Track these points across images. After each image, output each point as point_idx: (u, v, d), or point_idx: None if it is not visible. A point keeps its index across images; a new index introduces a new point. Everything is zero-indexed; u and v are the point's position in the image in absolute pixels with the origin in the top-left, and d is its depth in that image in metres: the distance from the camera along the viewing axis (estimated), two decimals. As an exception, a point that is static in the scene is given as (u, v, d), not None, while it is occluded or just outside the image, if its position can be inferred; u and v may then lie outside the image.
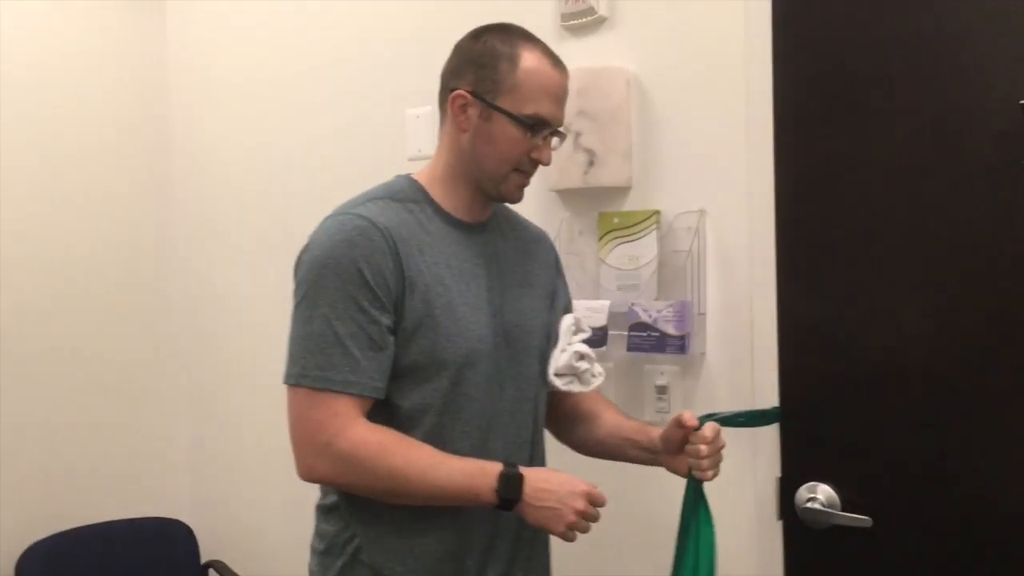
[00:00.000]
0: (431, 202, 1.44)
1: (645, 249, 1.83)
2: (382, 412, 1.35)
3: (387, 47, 2.28)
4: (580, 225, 1.95)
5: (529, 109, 1.39)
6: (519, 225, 1.61)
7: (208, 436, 2.81)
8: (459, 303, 1.39)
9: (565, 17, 1.92)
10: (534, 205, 1.98)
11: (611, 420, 1.59)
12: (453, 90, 1.42)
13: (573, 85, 1.84)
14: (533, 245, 1.60)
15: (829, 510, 1.63)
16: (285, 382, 1.35)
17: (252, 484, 2.63)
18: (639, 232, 1.84)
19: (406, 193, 1.43)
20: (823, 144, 1.65)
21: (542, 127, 1.41)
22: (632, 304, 1.81)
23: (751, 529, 1.75)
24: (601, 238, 1.89)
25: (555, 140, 1.47)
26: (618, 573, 1.94)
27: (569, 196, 1.96)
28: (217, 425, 2.78)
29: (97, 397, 2.62)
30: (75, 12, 2.61)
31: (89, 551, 2.49)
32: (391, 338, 1.34)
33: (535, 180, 1.95)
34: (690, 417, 1.42)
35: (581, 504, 1.31)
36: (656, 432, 1.51)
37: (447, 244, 1.42)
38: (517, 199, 1.48)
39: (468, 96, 1.40)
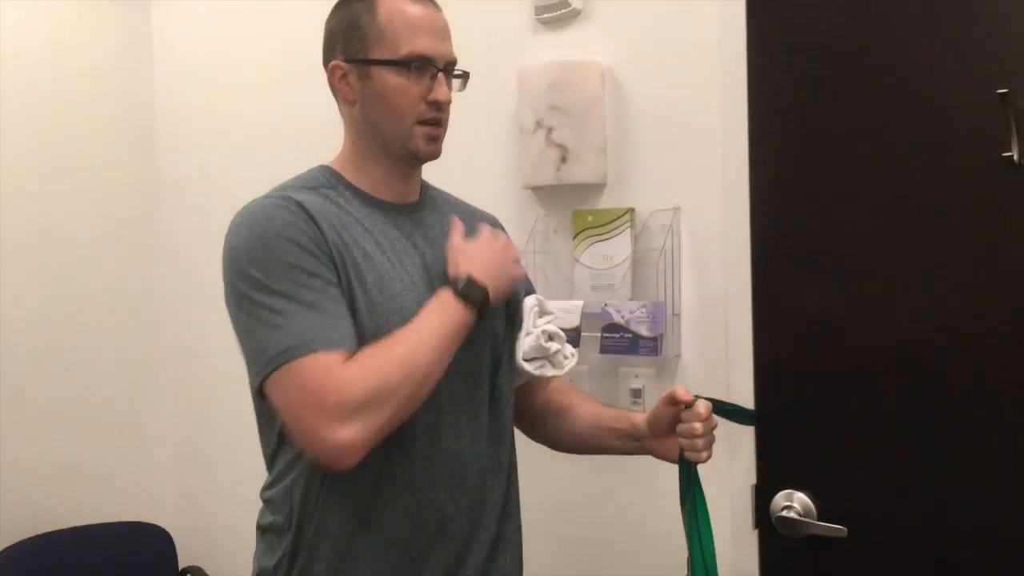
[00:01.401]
0: (348, 185, 1.36)
1: (619, 248, 1.78)
2: None
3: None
4: (554, 223, 1.90)
5: (404, 50, 1.30)
6: (465, 209, 1.51)
7: (190, 441, 2.78)
8: (391, 279, 1.30)
9: (539, 10, 1.88)
10: (507, 203, 1.94)
11: (588, 411, 1.52)
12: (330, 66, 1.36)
13: (546, 78, 1.82)
14: (481, 225, 1.47)
15: (805, 519, 1.57)
16: (261, 374, 1.22)
17: (233, 491, 2.59)
18: (613, 230, 1.79)
19: (319, 180, 1.36)
20: (799, 140, 1.60)
21: (424, 65, 1.32)
22: (605, 304, 1.76)
23: (727, 538, 1.69)
24: (575, 236, 1.84)
25: (456, 83, 1.39)
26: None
27: (543, 194, 1.91)
28: (200, 431, 2.75)
29: (80, 401, 2.60)
30: (61, 10, 2.60)
31: (67, 554, 2.47)
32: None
33: (507, 178, 1.95)
34: (684, 392, 1.37)
35: (509, 250, 1.39)
36: (640, 417, 1.45)
37: (371, 223, 1.33)
38: (433, 154, 1.37)
39: (343, 64, 1.34)
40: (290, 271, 1.22)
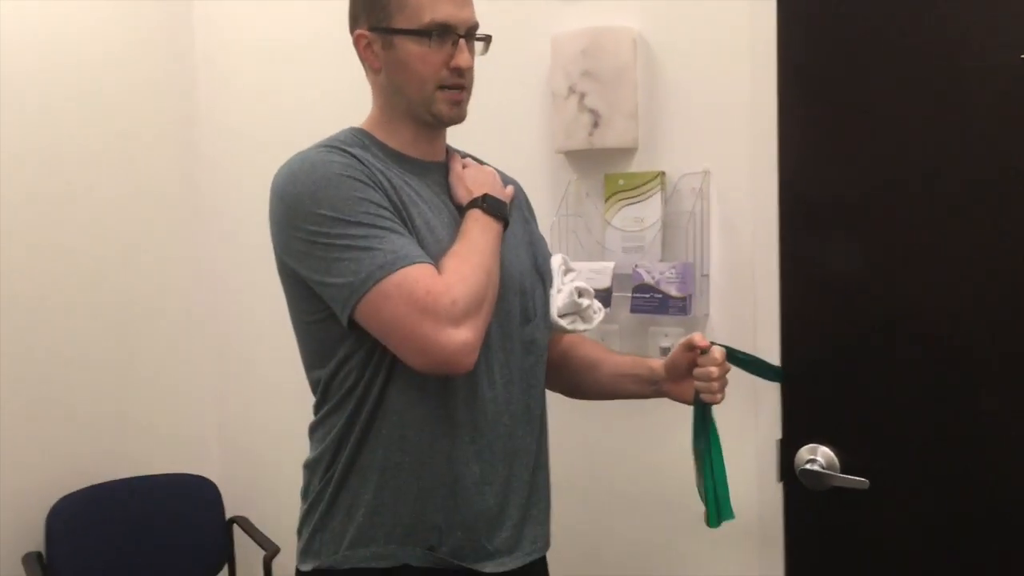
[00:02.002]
0: (380, 145, 1.41)
1: (650, 210, 1.83)
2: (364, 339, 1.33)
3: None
4: (586, 187, 1.94)
5: (425, 18, 1.34)
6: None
7: (233, 395, 2.87)
8: (435, 224, 1.37)
9: (572, -23, 1.91)
10: (541, 167, 1.99)
11: (610, 360, 1.60)
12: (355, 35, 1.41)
13: (579, 44, 1.85)
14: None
15: (828, 472, 1.63)
16: (356, 294, 1.25)
17: (275, 442, 2.68)
18: (644, 193, 1.83)
19: (353, 140, 1.40)
20: (826, 106, 1.63)
21: (445, 33, 1.35)
22: (636, 266, 1.81)
23: (752, 490, 1.76)
24: (607, 200, 1.89)
25: (479, 46, 1.42)
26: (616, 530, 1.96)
27: (575, 158, 1.95)
28: (242, 385, 2.83)
29: (127, 358, 2.68)
30: (103, 10, 2.63)
31: (117, 505, 2.55)
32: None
33: (541, 142, 1.99)
34: (701, 338, 1.44)
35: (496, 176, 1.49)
36: (657, 363, 1.52)
37: (408, 178, 1.39)
38: (457, 117, 1.41)
39: (368, 33, 1.39)
40: (361, 203, 1.27)
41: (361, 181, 1.29)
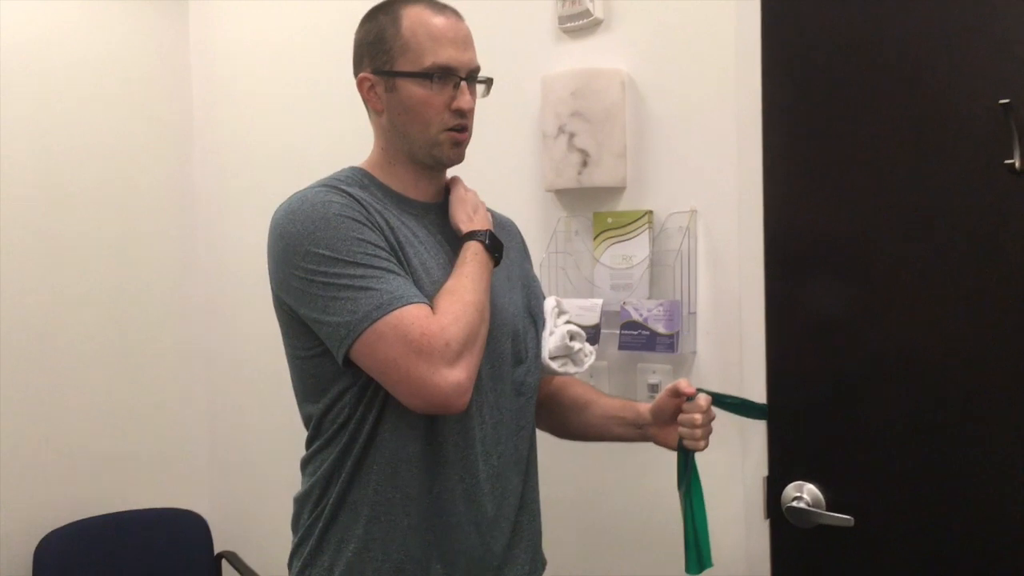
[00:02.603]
0: (379, 185, 1.43)
1: (638, 248, 1.85)
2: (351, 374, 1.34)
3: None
4: (576, 225, 1.97)
5: (427, 61, 1.37)
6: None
7: (224, 430, 2.87)
8: (432, 265, 1.39)
9: (562, 20, 1.95)
10: (531, 205, 2.02)
11: (599, 402, 1.61)
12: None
13: (569, 86, 1.89)
14: (500, 229, 1.57)
15: (814, 509, 1.63)
16: (352, 334, 1.26)
17: (265, 478, 2.68)
18: (632, 232, 1.86)
19: (352, 180, 1.42)
20: (811, 147, 1.65)
21: (447, 75, 1.38)
22: (624, 303, 1.84)
23: (739, 528, 1.76)
24: (596, 237, 1.91)
25: (480, 88, 1.45)
26: (608, 569, 1.96)
27: (565, 196, 1.98)
28: (233, 420, 2.84)
29: (117, 389, 2.68)
30: (99, 11, 2.67)
31: (105, 540, 2.55)
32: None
33: (531, 181, 2.02)
34: (687, 385, 1.46)
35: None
36: (644, 407, 1.54)
37: (405, 219, 1.41)
38: (457, 158, 1.44)
39: (371, 76, 1.41)
40: (359, 244, 1.29)
41: (359, 222, 1.31)
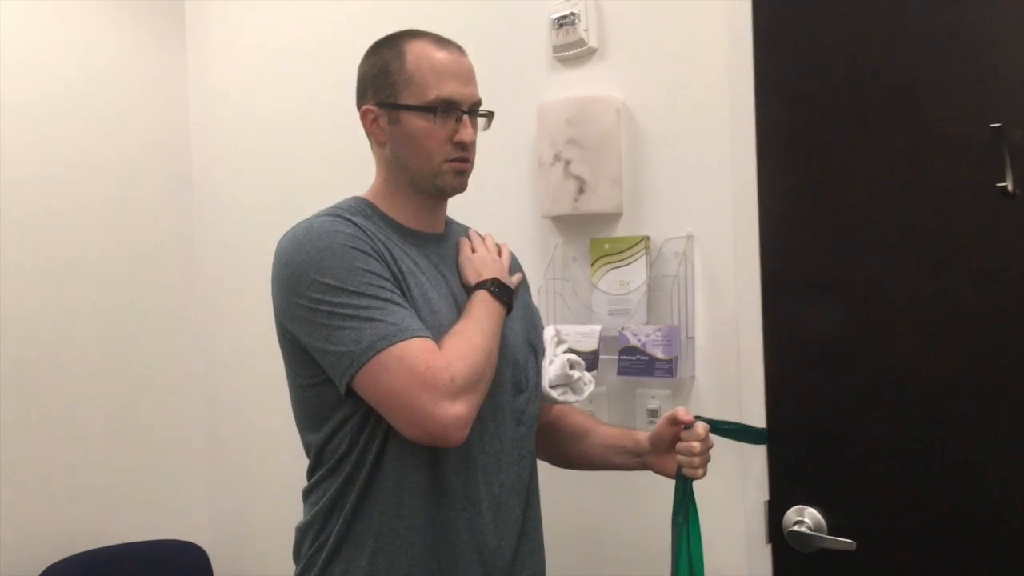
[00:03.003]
0: (381, 215, 1.45)
1: (635, 274, 1.86)
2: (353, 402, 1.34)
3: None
4: (573, 251, 1.98)
5: (431, 95, 1.39)
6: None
7: (223, 461, 2.86)
8: (433, 295, 1.40)
9: (557, 49, 1.97)
10: (528, 232, 2.02)
11: (598, 431, 1.62)
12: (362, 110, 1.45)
13: (564, 113, 1.90)
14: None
15: (815, 533, 1.63)
16: (356, 363, 1.27)
17: (267, 507, 2.68)
18: (629, 257, 1.87)
19: (355, 209, 1.43)
20: (805, 172, 1.67)
21: (449, 108, 1.40)
22: (622, 328, 1.84)
23: (741, 553, 1.76)
24: (593, 263, 1.92)
25: (481, 122, 1.47)
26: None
27: (561, 223, 1.99)
28: (232, 450, 2.83)
29: (117, 424, 2.68)
30: (97, 27, 2.70)
31: (106, 572, 2.54)
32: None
33: (528, 208, 2.03)
34: (685, 413, 1.47)
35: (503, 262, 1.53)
36: (643, 436, 1.55)
37: (407, 248, 1.42)
38: (459, 187, 1.46)
39: (374, 108, 1.43)
40: (364, 275, 1.30)
41: (365, 252, 1.33)
